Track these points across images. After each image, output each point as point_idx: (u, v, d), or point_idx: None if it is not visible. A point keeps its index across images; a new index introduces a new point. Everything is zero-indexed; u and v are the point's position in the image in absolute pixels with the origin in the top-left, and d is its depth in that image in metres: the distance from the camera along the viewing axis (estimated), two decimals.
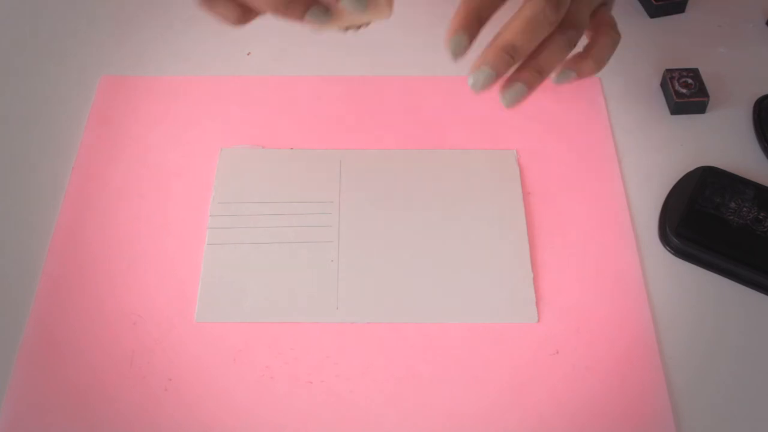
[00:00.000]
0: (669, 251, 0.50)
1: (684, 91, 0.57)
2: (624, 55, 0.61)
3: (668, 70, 0.58)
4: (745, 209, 0.50)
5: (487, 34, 0.44)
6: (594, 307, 0.48)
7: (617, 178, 0.54)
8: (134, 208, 0.52)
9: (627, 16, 0.64)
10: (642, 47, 0.61)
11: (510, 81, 0.46)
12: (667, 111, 0.58)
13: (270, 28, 0.63)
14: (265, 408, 0.44)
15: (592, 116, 0.57)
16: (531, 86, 0.46)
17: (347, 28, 0.45)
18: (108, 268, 0.50)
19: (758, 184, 0.51)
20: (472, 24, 0.44)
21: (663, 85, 0.58)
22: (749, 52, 0.61)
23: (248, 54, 0.61)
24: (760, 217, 0.50)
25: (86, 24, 0.63)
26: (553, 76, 0.48)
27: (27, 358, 0.46)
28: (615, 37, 0.49)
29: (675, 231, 0.50)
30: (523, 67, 0.46)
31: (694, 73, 0.57)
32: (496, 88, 0.45)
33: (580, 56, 0.48)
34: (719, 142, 0.56)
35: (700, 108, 0.57)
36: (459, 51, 0.44)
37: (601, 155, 0.55)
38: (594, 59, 0.48)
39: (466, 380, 0.45)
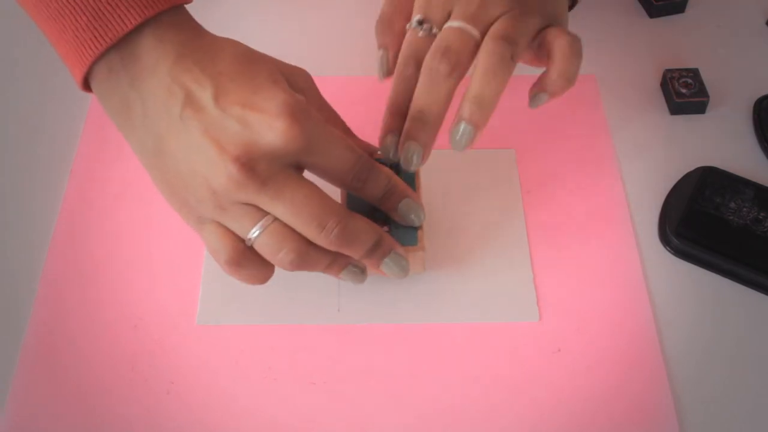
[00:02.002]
0: (669, 251, 0.50)
1: (684, 91, 0.57)
2: (624, 55, 0.61)
3: (668, 70, 0.58)
4: (745, 209, 0.50)
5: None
6: (595, 305, 0.48)
7: (616, 177, 0.54)
8: (134, 210, 0.52)
9: (627, 16, 0.64)
10: (642, 47, 0.61)
11: (455, 122, 0.45)
12: (667, 111, 0.58)
13: (270, 29, 0.63)
14: (268, 409, 0.45)
15: (589, 114, 0.57)
16: (478, 125, 0.45)
17: None
18: (108, 271, 0.50)
19: (758, 184, 0.51)
20: (399, 125, 0.46)
21: (663, 85, 0.58)
22: (749, 52, 0.61)
23: None
24: (760, 217, 0.50)
25: None
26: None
27: (29, 363, 0.46)
28: (574, 45, 0.46)
29: (675, 231, 0.50)
30: (464, 103, 0.45)
31: (694, 73, 0.58)
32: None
33: (546, 75, 0.46)
34: (719, 142, 0.56)
35: (700, 108, 0.57)
36: (390, 154, 0.47)
37: (599, 154, 0.55)
38: (560, 75, 0.46)
39: (468, 380, 0.45)
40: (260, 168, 0.39)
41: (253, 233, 0.41)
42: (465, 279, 0.49)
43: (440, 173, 0.54)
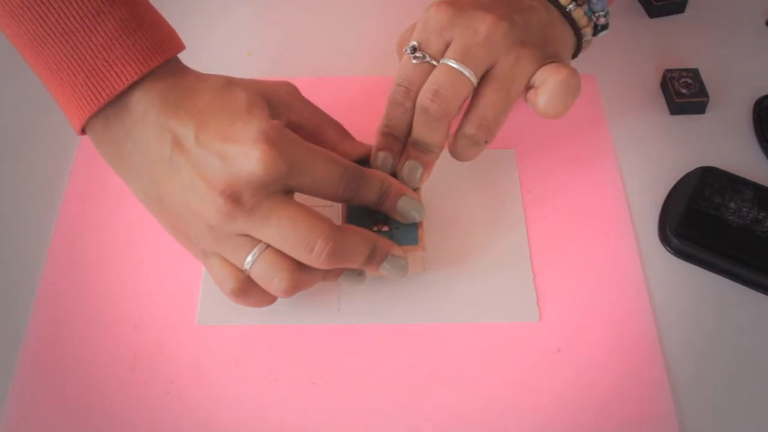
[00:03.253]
0: (669, 251, 0.50)
1: (684, 91, 0.57)
2: (624, 55, 0.61)
3: (668, 70, 0.58)
4: (744, 209, 0.50)
5: None
6: (595, 305, 0.48)
7: (616, 177, 0.54)
8: (133, 210, 0.51)
9: (627, 16, 0.64)
10: (642, 47, 0.61)
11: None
12: (666, 111, 0.58)
13: (270, 29, 0.63)
14: (268, 409, 0.45)
15: (589, 114, 0.57)
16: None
17: None
18: (108, 272, 0.50)
19: (758, 184, 0.51)
20: (391, 145, 0.48)
21: (663, 85, 0.58)
22: (749, 52, 0.61)
23: (248, 54, 0.61)
24: (760, 217, 0.50)
25: None
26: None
27: (28, 364, 0.46)
28: (566, 82, 0.45)
29: (675, 231, 0.50)
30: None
31: (694, 73, 0.58)
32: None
33: (534, 102, 0.47)
34: (719, 142, 0.56)
35: (700, 108, 0.57)
36: (385, 168, 0.47)
37: (599, 154, 0.55)
38: (545, 107, 0.46)
39: (469, 380, 0.45)
40: (245, 198, 0.40)
41: (248, 263, 0.41)
42: (465, 279, 0.49)
43: (440, 174, 0.53)
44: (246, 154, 0.39)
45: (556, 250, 0.51)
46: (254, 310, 0.48)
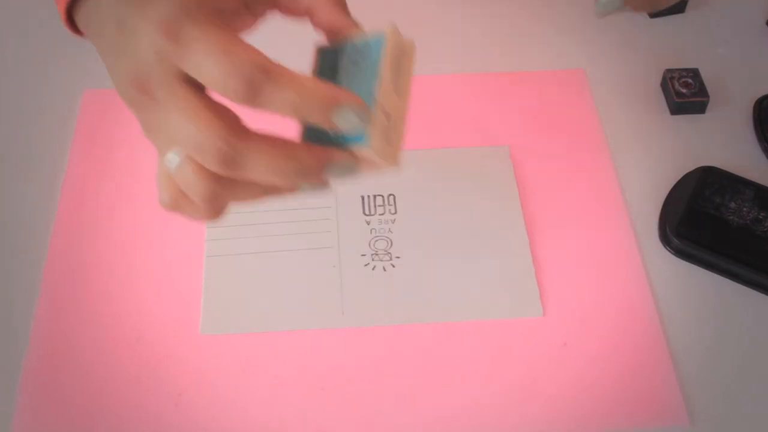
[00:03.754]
0: (669, 251, 0.50)
1: (684, 91, 0.57)
2: (624, 55, 0.61)
3: (668, 70, 0.58)
4: (745, 209, 0.50)
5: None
6: (597, 298, 0.48)
7: (611, 173, 0.54)
8: (129, 223, 0.51)
9: (627, 16, 0.63)
10: (642, 47, 0.61)
11: None
12: (667, 111, 0.58)
13: (266, 28, 0.63)
14: (278, 417, 0.44)
15: (580, 109, 0.57)
16: None
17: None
18: (107, 286, 0.49)
19: (758, 184, 0.51)
20: None
21: (663, 85, 0.58)
22: (749, 52, 0.61)
23: None
24: (760, 217, 0.50)
25: (67, 38, 0.63)
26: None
27: (31, 383, 0.45)
28: None
29: (675, 231, 0.50)
30: None
31: (694, 73, 0.58)
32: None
33: None
34: (719, 142, 0.56)
35: (700, 108, 0.57)
36: (611, 6, 0.40)
37: (593, 150, 0.55)
38: None
39: (477, 378, 0.46)
40: (146, 79, 0.37)
41: (169, 161, 0.37)
42: (467, 277, 0.49)
43: (436, 173, 0.54)
44: (145, 31, 0.36)
45: (556, 246, 0.51)
46: (257, 317, 0.47)
